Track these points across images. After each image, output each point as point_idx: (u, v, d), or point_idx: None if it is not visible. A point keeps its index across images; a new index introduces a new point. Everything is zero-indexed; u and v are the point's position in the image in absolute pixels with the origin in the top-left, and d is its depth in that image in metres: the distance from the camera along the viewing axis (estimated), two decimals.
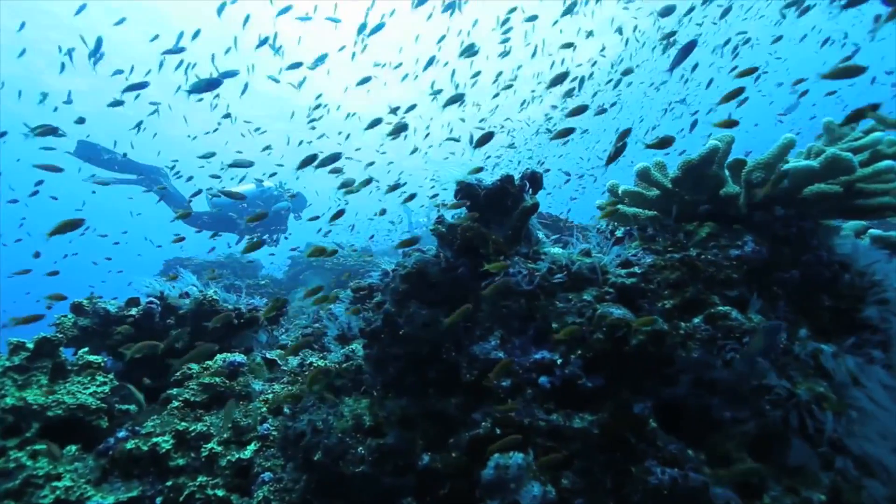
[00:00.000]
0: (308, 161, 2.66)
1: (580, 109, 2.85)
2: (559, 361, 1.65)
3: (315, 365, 2.03)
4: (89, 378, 2.20)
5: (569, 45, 5.21)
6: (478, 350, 1.71)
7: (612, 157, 2.08)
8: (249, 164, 3.69)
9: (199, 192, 5.98)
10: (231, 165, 3.56)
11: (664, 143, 2.11)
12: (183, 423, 1.82)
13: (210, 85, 2.44)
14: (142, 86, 3.93)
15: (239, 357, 2.60)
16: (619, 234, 2.81)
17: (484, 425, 1.56)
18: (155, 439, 1.72)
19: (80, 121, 3.48)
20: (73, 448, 1.83)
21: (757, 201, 1.86)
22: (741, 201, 1.98)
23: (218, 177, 5.31)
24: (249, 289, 8.44)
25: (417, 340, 1.63)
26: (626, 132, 2.17)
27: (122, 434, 1.77)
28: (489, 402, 1.65)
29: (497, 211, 1.95)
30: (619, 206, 2.39)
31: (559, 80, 2.86)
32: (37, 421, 1.94)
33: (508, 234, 1.93)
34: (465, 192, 1.86)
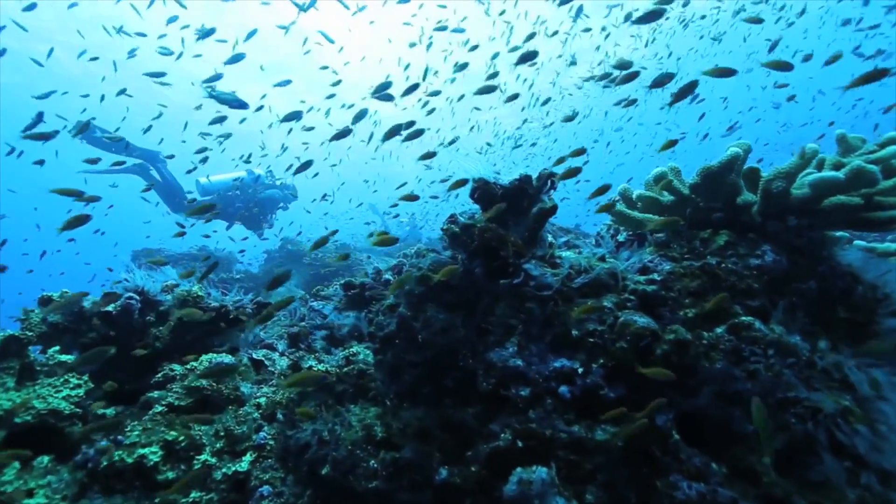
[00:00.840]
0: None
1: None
2: (580, 370, 1.59)
3: (314, 369, 1.91)
4: (62, 380, 2.02)
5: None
6: (495, 357, 1.64)
7: (680, 96, 2.15)
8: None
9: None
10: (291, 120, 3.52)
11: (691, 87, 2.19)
12: (172, 433, 1.67)
13: (234, 103, 2.32)
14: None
15: (226, 358, 2.44)
16: (620, 238, 2.79)
17: (504, 437, 1.49)
18: (141, 451, 1.57)
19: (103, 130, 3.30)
20: (46, 459, 1.66)
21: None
22: (755, 210, 1.97)
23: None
24: (224, 283, 8.13)
25: (435, 347, 1.54)
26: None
27: (103, 444, 1.61)
28: (507, 411, 1.58)
29: (513, 211, 1.88)
30: (628, 211, 2.36)
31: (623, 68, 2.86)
32: (2, 428, 1.75)
33: (525, 235, 1.86)
34: (483, 190, 1.78)
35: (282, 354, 3.35)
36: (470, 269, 1.66)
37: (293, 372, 2.67)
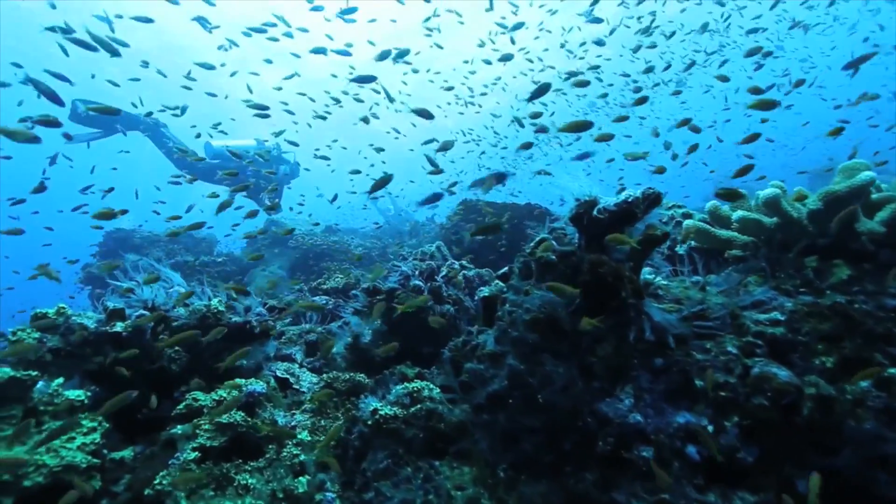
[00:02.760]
0: None
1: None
2: (711, 429, 1.40)
3: (382, 414, 1.65)
4: (73, 425, 1.69)
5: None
6: (609, 411, 1.42)
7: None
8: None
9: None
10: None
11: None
12: (227, 502, 1.40)
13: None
14: None
15: (258, 385, 2.14)
16: (680, 250, 2.59)
17: None
18: None
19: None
20: None
21: None
22: (866, 238, 1.80)
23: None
24: (205, 266, 7.61)
25: (556, 408, 1.31)
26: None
27: None
28: (630, 475, 1.38)
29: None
30: (709, 228, 2.16)
31: None
32: (8, 496, 1.43)
33: (630, 266, 1.63)
34: (592, 216, 1.52)
35: (301, 366, 3.06)
36: (585, 309, 1.42)
37: (330, 398, 2.40)
